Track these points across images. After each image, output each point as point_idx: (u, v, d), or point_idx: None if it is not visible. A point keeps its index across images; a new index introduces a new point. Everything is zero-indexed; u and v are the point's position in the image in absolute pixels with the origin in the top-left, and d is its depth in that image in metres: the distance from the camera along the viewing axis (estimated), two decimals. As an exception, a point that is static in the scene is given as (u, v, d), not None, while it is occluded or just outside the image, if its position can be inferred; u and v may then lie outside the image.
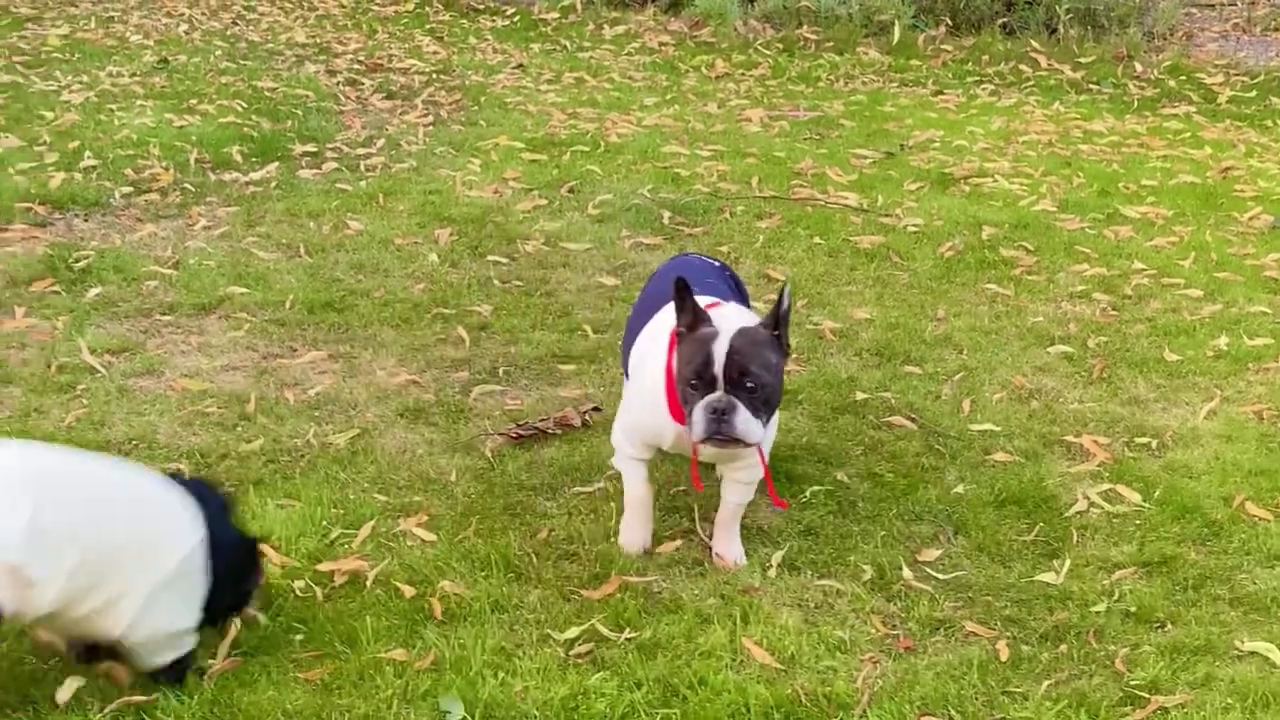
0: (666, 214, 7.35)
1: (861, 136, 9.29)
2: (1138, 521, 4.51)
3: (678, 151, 8.56)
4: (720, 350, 3.81)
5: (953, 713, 3.53)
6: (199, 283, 6.18)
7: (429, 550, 4.20)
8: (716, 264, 4.74)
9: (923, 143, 9.11)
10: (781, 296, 3.89)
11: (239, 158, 8.05)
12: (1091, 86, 11.04)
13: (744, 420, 3.82)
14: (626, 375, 4.42)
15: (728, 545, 4.21)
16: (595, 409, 5.11)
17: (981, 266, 6.82)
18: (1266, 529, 4.45)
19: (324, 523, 4.34)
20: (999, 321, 6.13)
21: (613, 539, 4.28)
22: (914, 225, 7.36)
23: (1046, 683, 3.66)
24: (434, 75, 10.53)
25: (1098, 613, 4.00)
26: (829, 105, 10.07)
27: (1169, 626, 3.96)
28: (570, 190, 7.72)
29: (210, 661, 3.61)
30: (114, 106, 8.98)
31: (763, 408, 3.86)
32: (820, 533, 4.41)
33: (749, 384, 3.81)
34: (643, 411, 4.16)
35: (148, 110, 8.91)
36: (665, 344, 4.04)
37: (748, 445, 3.90)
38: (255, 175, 7.77)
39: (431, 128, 9.03)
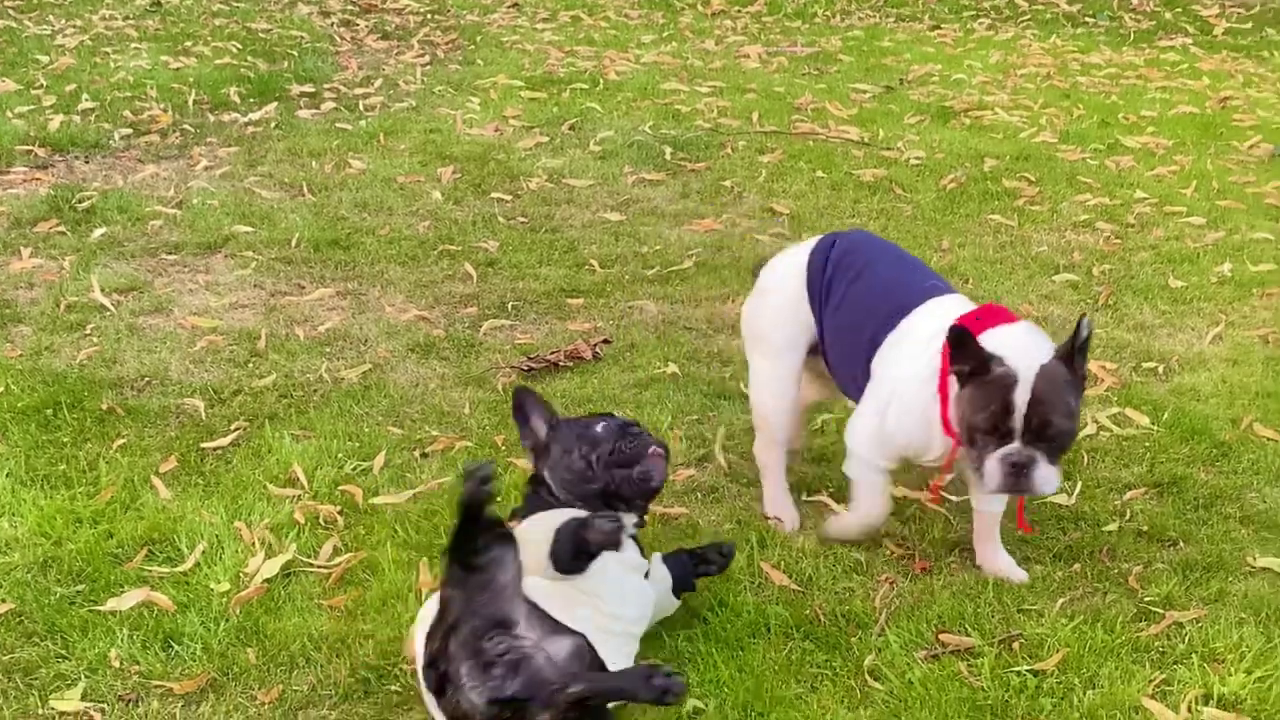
0: (668, 150, 7.35)
1: (860, 71, 9.28)
2: (1147, 444, 4.55)
3: (677, 88, 8.54)
4: (1021, 400, 3.40)
5: (969, 629, 3.57)
6: (203, 222, 6.19)
7: (444, 480, 4.22)
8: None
9: (921, 77, 9.11)
10: (1079, 327, 3.45)
11: (237, 99, 8.03)
12: (1088, 20, 11.01)
13: (1043, 475, 3.47)
14: (845, 382, 4.01)
15: (995, 560, 3.87)
16: (605, 341, 5.13)
17: (984, 198, 6.84)
18: (1275, 448, 4.49)
19: (340, 455, 4.36)
20: (1003, 251, 6.15)
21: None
22: (916, 158, 7.37)
23: (1061, 600, 3.70)
24: (429, 15, 10.49)
25: (1110, 532, 4.04)
26: (826, 41, 10.05)
27: (1180, 544, 4.00)
28: (571, 128, 7.71)
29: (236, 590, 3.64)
30: (109, 49, 8.94)
31: (1060, 455, 3.51)
32: (833, 460, 4.43)
33: (1051, 434, 3.44)
34: (907, 422, 3.72)
35: (143, 53, 8.88)
36: (934, 351, 3.62)
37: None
38: (254, 116, 7.76)
39: (429, 67, 9.01)
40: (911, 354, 3.69)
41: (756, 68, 9.24)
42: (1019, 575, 3.84)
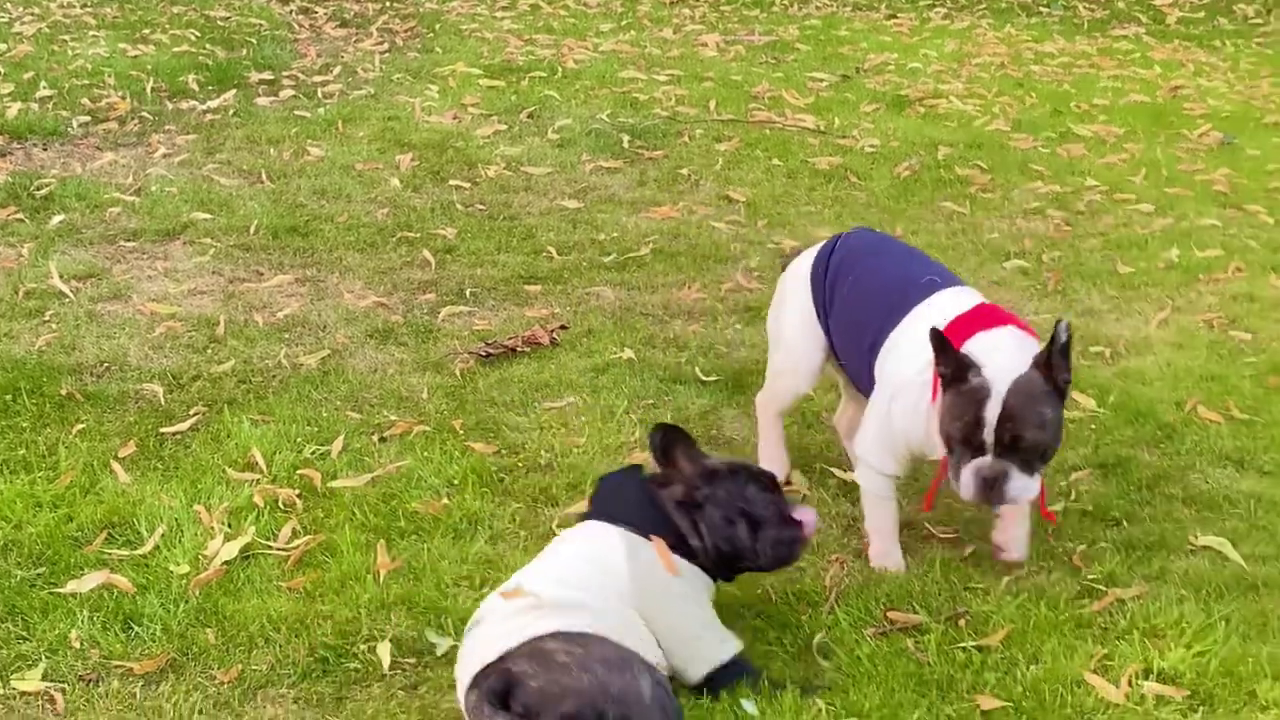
0: (626, 138, 7.41)
1: (817, 60, 9.36)
2: (1093, 426, 4.64)
3: (635, 76, 8.60)
4: (992, 413, 3.42)
5: (917, 607, 3.64)
6: (162, 209, 6.21)
7: (402, 464, 4.27)
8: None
9: (877, 66, 9.20)
10: (1057, 331, 3.45)
11: (195, 86, 8.04)
12: (1042, 9, 11.13)
13: (1017, 486, 3.49)
14: (854, 381, 4.08)
15: (1016, 541, 3.88)
16: (562, 327, 5.19)
17: (938, 185, 6.93)
18: (1218, 431, 4.59)
19: (298, 439, 4.40)
20: (956, 238, 6.24)
21: (582, 451, 4.36)
22: (871, 146, 7.46)
23: (1007, 578, 3.78)
24: (387, 3, 10.51)
25: (1055, 512, 4.13)
26: (783, 30, 10.13)
27: (1124, 524, 4.09)
28: (530, 115, 7.76)
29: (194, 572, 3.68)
30: (67, 37, 8.93)
31: (1039, 464, 3.52)
32: (787, 441, 4.50)
33: (1023, 447, 3.45)
34: (910, 421, 3.72)
35: (101, 40, 8.86)
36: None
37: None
38: (212, 103, 7.77)
39: (387, 55, 9.03)
40: (911, 353, 3.70)
41: (714, 56, 9.31)
42: (1018, 554, 3.85)
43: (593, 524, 3.34)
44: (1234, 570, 3.81)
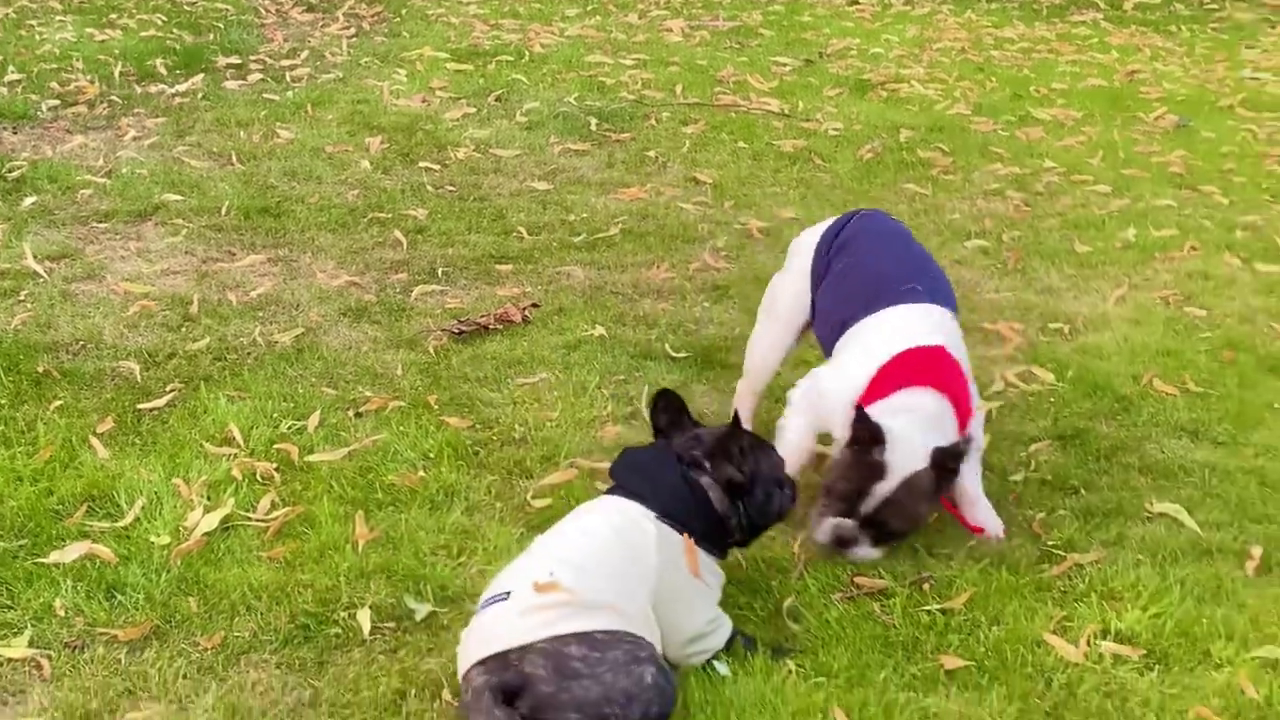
0: (594, 121, 7.49)
1: (780, 45, 9.47)
2: (1052, 399, 4.76)
3: (601, 61, 8.68)
4: (878, 494, 3.68)
5: (882, 572, 3.74)
6: (133, 190, 6.25)
7: (378, 438, 4.34)
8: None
9: (840, 51, 9.31)
10: (956, 446, 3.69)
11: (163, 70, 8.07)
12: (1001, -5, 11.28)
13: (863, 553, 3.74)
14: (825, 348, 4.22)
15: (985, 517, 3.99)
16: (534, 305, 5.27)
17: (900, 167, 7.04)
18: (1173, 403, 4.72)
19: (275, 414, 4.46)
20: (918, 219, 6.35)
21: (555, 425, 4.44)
22: (834, 129, 7.56)
23: (969, 544, 3.89)
24: (354, -12, 10.54)
25: (1016, 481, 4.24)
26: (747, 15, 10.23)
27: (1082, 492, 4.21)
28: (498, 99, 7.83)
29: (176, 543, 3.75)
30: (34, 22, 8.94)
31: (890, 543, 3.76)
32: (756, 415, 4.60)
33: (887, 531, 3.73)
34: (830, 419, 3.95)
35: (68, 25, 8.88)
36: (869, 370, 3.85)
37: None
38: (181, 87, 7.80)
39: (355, 39, 9.08)
40: (851, 362, 3.91)
41: (679, 41, 9.40)
42: (1001, 531, 3.95)
43: (628, 505, 3.32)
44: (1189, 536, 3.94)
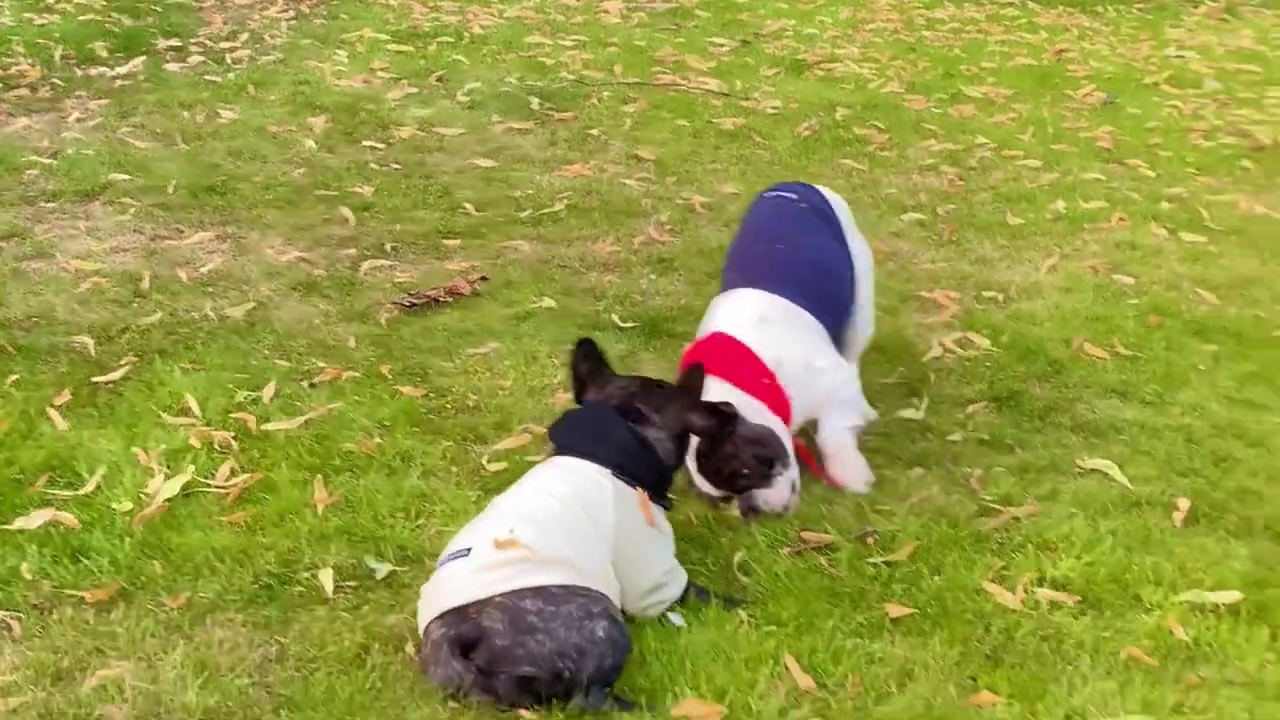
0: (535, 100, 7.58)
1: (716, 26, 9.60)
2: (987, 363, 4.91)
3: (541, 42, 8.77)
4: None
5: (828, 528, 3.88)
6: (80, 171, 6.29)
7: (334, 407, 4.42)
8: (793, 197, 4.60)
9: (775, 31, 9.45)
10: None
11: (104, 53, 8.09)
12: (933, -23, 11.45)
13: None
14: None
15: (842, 471, 4.15)
16: (483, 278, 5.37)
17: (837, 144, 7.19)
18: (1103, 365, 4.88)
19: (230, 386, 4.53)
20: (856, 193, 6.49)
21: (508, 393, 4.55)
22: (772, 108, 7.70)
23: (911, 500, 4.04)
24: (291, -29, 10.54)
25: (954, 441, 4.39)
26: (683, -3, 10.35)
27: (1018, 450, 4.36)
28: (439, 79, 7.91)
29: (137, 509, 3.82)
30: (-31, 5, 8.91)
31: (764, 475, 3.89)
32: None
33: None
34: None
35: (5, 10, 8.86)
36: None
37: None
38: (122, 70, 7.82)
39: (294, 22, 9.11)
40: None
41: (617, 23, 9.51)
42: (854, 481, 4.12)
43: (582, 464, 3.42)
44: (1119, 490, 4.10)
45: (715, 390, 3.84)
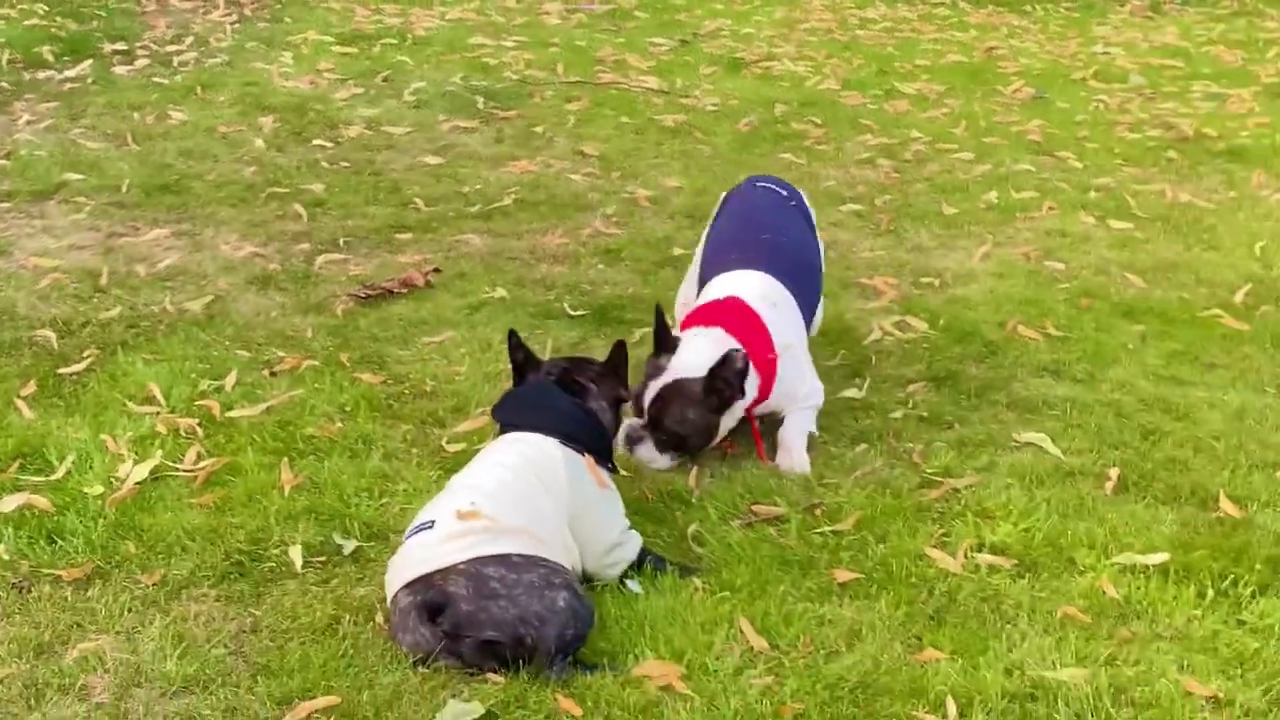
0: (480, 99, 7.72)
1: (655, 27, 9.78)
2: (925, 345, 5.10)
3: (483, 43, 8.91)
4: (649, 395, 4.15)
5: (778, 500, 4.04)
6: (33, 171, 6.36)
7: (295, 394, 4.54)
8: (783, 192, 4.92)
9: (713, 31, 9.65)
10: (728, 355, 4.09)
11: (50, 57, 8.16)
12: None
13: (647, 452, 4.17)
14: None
15: (785, 459, 4.31)
16: (436, 270, 5.50)
17: (776, 139, 7.39)
18: (1036, 346, 5.09)
19: (192, 375, 4.64)
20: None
21: (464, 379, 4.68)
22: (712, 105, 7.89)
23: (855, 474, 4.21)
24: (232, -25, 10.62)
25: (895, 418, 4.57)
26: (622, -1, 10.52)
27: (956, 426, 4.54)
28: (385, 79, 8.03)
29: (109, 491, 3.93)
30: (-89, 10, 8.93)
31: (672, 450, 4.18)
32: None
33: (661, 430, 4.15)
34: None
35: (-53, 14, 8.90)
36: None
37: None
38: (70, 73, 7.90)
39: (238, 25, 9.21)
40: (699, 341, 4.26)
41: (558, 24, 9.67)
42: (802, 466, 4.28)
43: (532, 436, 3.60)
44: (1053, 461, 4.28)
45: (699, 346, 4.16)
